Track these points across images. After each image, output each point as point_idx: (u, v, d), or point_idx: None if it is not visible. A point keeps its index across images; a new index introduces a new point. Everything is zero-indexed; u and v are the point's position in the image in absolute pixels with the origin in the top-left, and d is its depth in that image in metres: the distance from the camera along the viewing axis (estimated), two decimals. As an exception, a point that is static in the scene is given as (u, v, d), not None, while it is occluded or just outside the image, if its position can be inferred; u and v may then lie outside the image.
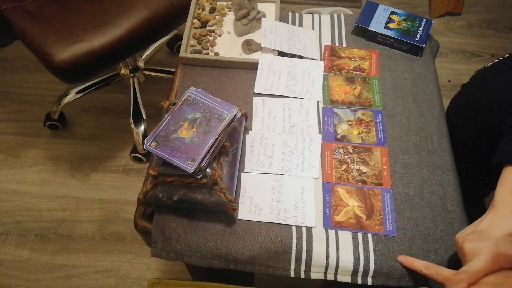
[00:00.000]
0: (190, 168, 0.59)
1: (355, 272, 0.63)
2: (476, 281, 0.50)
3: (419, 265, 0.59)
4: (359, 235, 0.65)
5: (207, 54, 0.86)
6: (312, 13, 0.94)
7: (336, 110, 0.78)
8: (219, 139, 0.63)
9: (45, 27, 1.10)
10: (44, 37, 1.08)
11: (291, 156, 0.72)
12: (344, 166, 0.71)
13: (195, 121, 0.64)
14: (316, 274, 0.64)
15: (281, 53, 0.85)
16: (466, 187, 0.71)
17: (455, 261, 0.61)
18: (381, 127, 0.76)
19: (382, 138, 0.75)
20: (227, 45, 0.87)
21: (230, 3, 0.93)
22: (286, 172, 0.71)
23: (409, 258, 0.61)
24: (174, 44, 1.72)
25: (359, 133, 0.75)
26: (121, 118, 1.60)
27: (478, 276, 0.50)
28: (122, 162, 1.50)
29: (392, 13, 0.90)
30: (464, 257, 0.53)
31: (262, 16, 0.89)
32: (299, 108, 0.78)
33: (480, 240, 0.52)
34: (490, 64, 0.80)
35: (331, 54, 0.86)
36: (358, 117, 0.77)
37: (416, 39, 0.85)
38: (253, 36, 0.88)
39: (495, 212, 0.55)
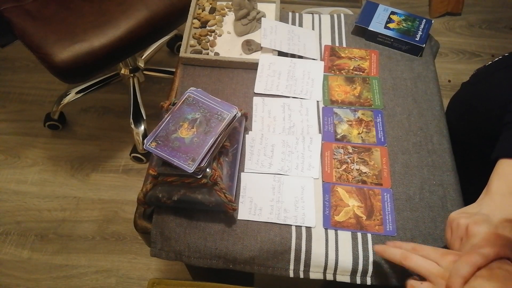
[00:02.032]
0: (190, 168, 0.59)
1: (354, 272, 0.63)
2: (485, 264, 0.48)
3: (395, 253, 0.54)
4: (359, 235, 0.65)
5: (207, 54, 0.86)
6: (312, 13, 0.94)
7: (336, 110, 0.78)
8: (219, 139, 0.63)
9: (45, 27, 1.10)
10: (44, 37, 1.08)
11: (291, 156, 0.72)
12: (344, 166, 0.71)
13: (195, 121, 0.64)
14: (315, 274, 0.64)
15: (281, 53, 0.85)
16: (466, 187, 0.71)
17: None
18: (381, 127, 0.76)
19: (382, 138, 0.75)
20: (227, 45, 0.87)
21: (230, 3, 0.93)
22: (286, 172, 0.71)
23: (382, 246, 0.56)
24: (174, 44, 1.72)
25: (359, 133, 0.75)
26: (121, 118, 1.60)
27: (488, 259, 0.48)
28: (122, 162, 1.50)
29: (392, 13, 0.90)
30: (467, 239, 0.52)
31: (262, 16, 0.89)
32: (299, 108, 0.78)
33: (489, 224, 0.52)
34: (490, 62, 0.80)
35: (331, 54, 0.86)
36: (358, 117, 0.77)
37: (416, 39, 0.85)
38: (253, 36, 0.88)
39: (493, 201, 0.55)
